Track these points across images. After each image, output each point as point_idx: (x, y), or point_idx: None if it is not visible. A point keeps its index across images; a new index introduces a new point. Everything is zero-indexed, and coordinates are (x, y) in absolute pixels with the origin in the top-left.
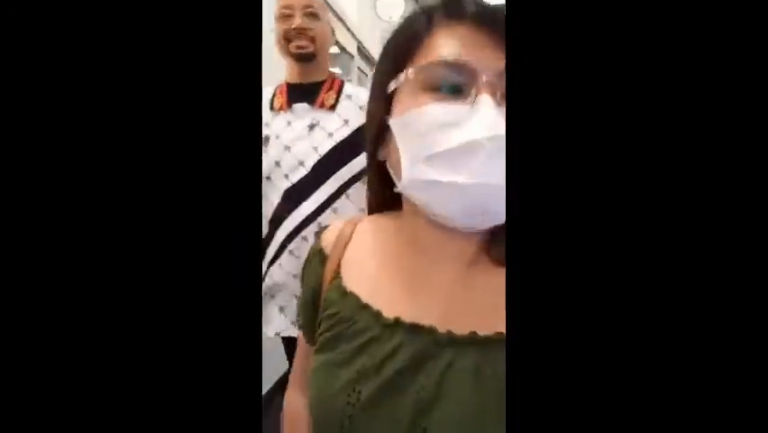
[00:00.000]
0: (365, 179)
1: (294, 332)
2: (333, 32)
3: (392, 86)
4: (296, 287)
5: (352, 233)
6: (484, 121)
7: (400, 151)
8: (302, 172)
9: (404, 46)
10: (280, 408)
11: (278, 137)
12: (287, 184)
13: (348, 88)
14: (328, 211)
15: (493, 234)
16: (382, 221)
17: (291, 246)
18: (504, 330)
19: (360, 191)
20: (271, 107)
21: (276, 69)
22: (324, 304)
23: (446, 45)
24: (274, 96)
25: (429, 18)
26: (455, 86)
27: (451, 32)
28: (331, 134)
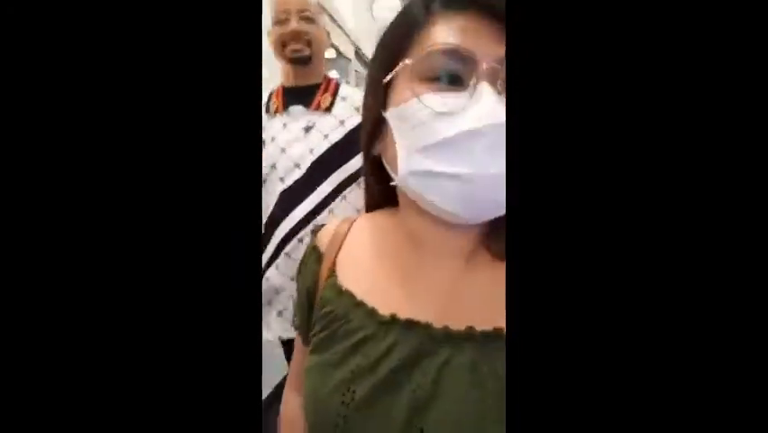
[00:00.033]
0: (361, 179)
1: (293, 334)
2: (328, 35)
3: (388, 78)
4: (293, 289)
5: (348, 230)
6: (484, 109)
7: (396, 143)
8: (298, 174)
9: (400, 37)
10: (279, 412)
11: (273, 139)
12: (282, 186)
13: (344, 90)
14: (324, 212)
15: (492, 228)
16: (379, 218)
17: (288, 249)
18: (502, 325)
19: (356, 192)
20: (267, 110)
21: (272, 73)
22: (320, 303)
23: (444, 34)
24: (270, 98)
25: (426, 8)
26: (454, 75)
27: (449, 22)
28: (326, 136)
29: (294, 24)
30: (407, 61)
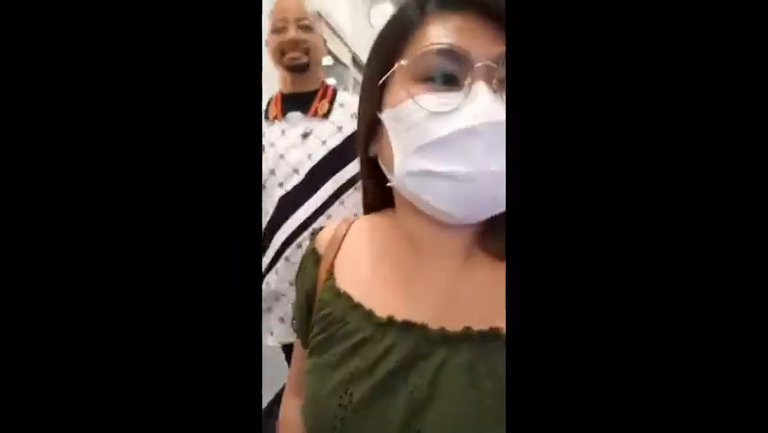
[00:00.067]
0: (359, 184)
1: (293, 338)
2: (325, 42)
3: (384, 79)
4: (293, 294)
5: (346, 232)
6: (479, 108)
7: (392, 144)
8: (296, 180)
9: (396, 38)
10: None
11: (272, 145)
12: (281, 192)
13: (341, 96)
14: (323, 217)
15: (488, 228)
16: (376, 220)
17: (287, 253)
18: (500, 324)
19: (354, 197)
20: (266, 117)
21: (270, 80)
22: (318, 305)
23: (439, 34)
24: (269, 105)
25: (421, 9)
26: (449, 74)
27: (443, 22)
28: (324, 142)
29: (292, 33)
30: (402, 62)
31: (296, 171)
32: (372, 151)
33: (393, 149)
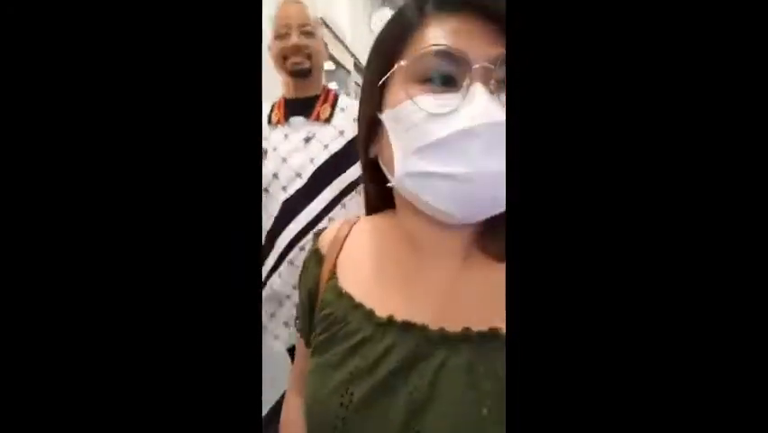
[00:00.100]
0: (360, 187)
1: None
2: (326, 46)
3: (383, 80)
4: (297, 297)
5: (348, 233)
6: (477, 109)
7: (392, 145)
8: (299, 183)
9: (395, 39)
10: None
11: (275, 150)
12: (284, 195)
13: (342, 101)
14: (325, 220)
15: (487, 228)
16: (378, 220)
17: (290, 256)
18: (499, 325)
19: (355, 200)
20: (269, 121)
21: (273, 85)
22: (321, 305)
23: (437, 35)
24: (272, 110)
25: (419, 11)
26: (447, 76)
27: (442, 23)
28: (326, 146)
29: (295, 39)
30: (401, 63)
31: (298, 175)
32: (373, 151)
33: (393, 149)
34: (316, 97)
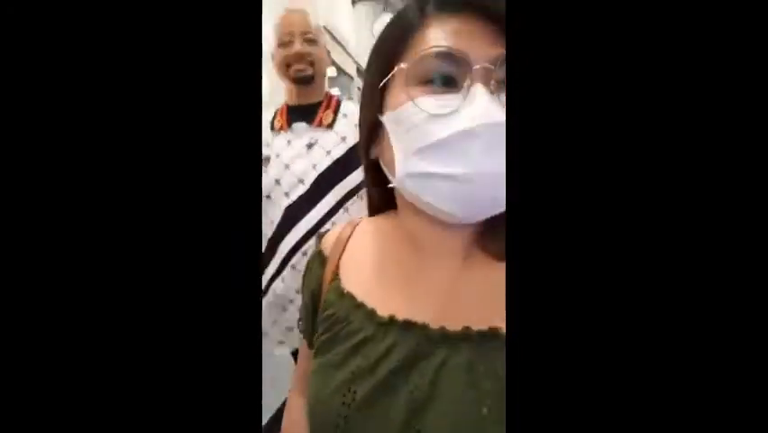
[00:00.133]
0: (362, 192)
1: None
2: (328, 53)
3: (384, 82)
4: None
5: (351, 234)
6: (478, 110)
7: (393, 146)
8: (301, 190)
9: (395, 41)
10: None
11: (278, 156)
12: (287, 202)
13: (345, 107)
14: (327, 225)
15: (488, 227)
16: (380, 221)
17: (293, 261)
18: (499, 324)
19: (357, 205)
20: (272, 128)
21: (276, 93)
22: (323, 306)
23: (437, 37)
24: (274, 117)
25: (420, 13)
26: (447, 77)
27: (442, 25)
28: (329, 152)
29: (298, 46)
30: (402, 65)
31: (301, 181)
32: (374, 153)
33: (394, 150)
34: (319, 104)
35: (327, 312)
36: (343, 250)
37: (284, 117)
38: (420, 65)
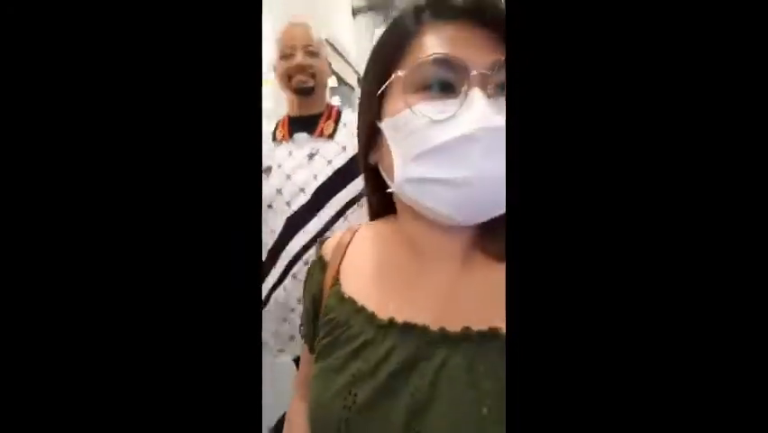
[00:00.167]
0: (362, 201)
1: None
2: (329, 65)
3: (382, 89)
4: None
5: (351, 240)
6: (475, 115)
7: (392, 152)
8: (303, 199)
9: (392, 48)
10: None
11: (279, 166)
12: (289, 211)
13: (345, 117)
14: (328, 234)
15: (486, 229)
16: (380, 226)
17: (294, 270)
18: (498, 324)
19: (357, 213)
20: (274, 138)
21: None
22: (324, 311)
23: (434, 43)
24: (276, 128)
25: (416, 19)
26: (445, 83)
27: (439, 32)
28: (330, 162)
29: (299, 59)
30: (400, 73)
31: (302, 191)
32: (373, 159)
33: (393, 156)
34: (320, 115)
35: (328, 317)
36: (344, 255)
37: (286, 128)
38: (418, 72)
